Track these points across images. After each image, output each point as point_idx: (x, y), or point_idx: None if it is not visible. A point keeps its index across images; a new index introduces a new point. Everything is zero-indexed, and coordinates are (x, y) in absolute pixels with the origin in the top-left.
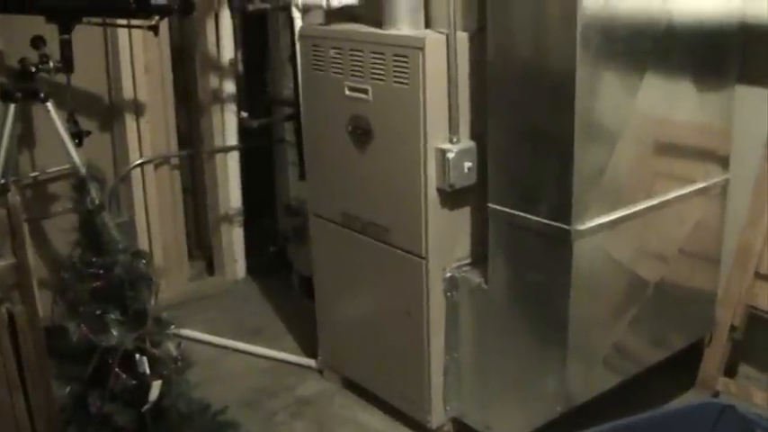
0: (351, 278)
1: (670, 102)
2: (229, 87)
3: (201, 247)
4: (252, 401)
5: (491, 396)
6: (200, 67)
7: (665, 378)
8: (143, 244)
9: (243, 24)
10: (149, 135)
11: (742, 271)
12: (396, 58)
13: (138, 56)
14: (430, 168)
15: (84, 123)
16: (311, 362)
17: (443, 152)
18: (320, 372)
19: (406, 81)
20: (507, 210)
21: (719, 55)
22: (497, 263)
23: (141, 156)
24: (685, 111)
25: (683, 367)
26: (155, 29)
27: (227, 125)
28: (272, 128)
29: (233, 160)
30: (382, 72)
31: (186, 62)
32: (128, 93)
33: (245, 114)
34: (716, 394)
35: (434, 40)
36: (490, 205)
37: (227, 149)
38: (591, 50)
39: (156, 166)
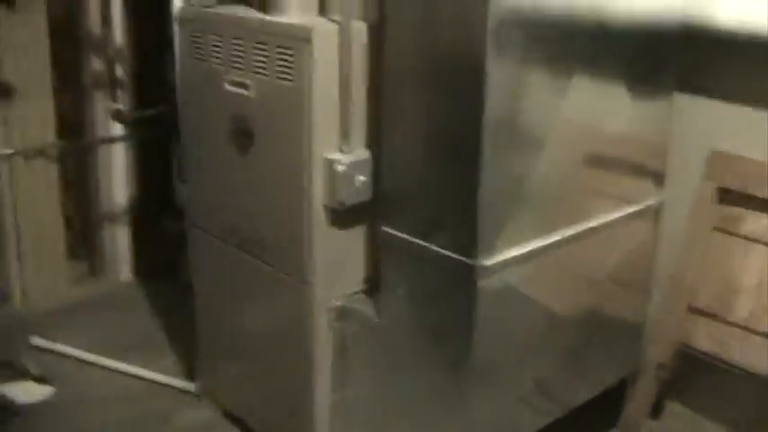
0: (231, 299)
1: (600, 111)
2: (118, 71)
3: (88, 247)
4: None
5: None
6: (84, 48)
7: (587, 416)
8: (10, 244)
9: None
10: (19, 123)
11: (674, 304)
12: (280, 50)
13: (5, 32)
14: (316, 181)
15: None
16: (191, 386)
17: (332, 163)
18: (198, 397)
19: (290, 77)
20: (402, 235)
21: (657, 59)
22: (391, 296)
23: (10, 146)
24: (617, 122)
25: (606, 405)
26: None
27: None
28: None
29: (119, 153)
30: (265, 66)
31: (70, 41)
32: None
33: (117, 105)
34: None
35: (325, 31)
36: (383, 229)
37: (110, 140)
38: (505, 49)
39: (28, 158)
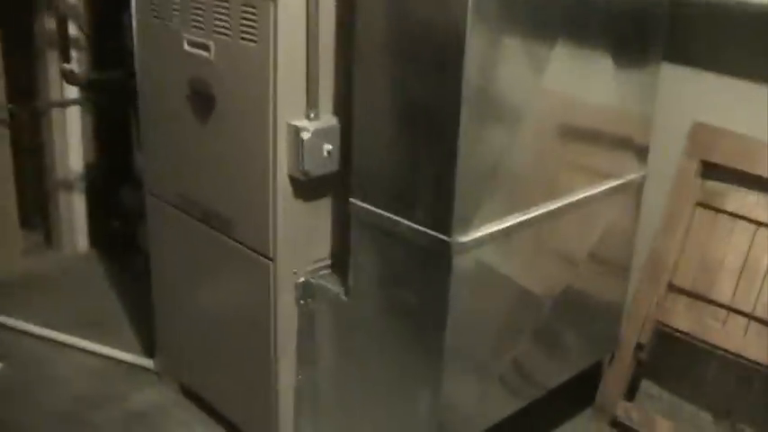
0: (190, 272)
1: (582, 82)
2: (72, 30)
3: (42, 217)
4: (71, 414)
5: (353, 423)
6: (35, 4)
7: (562, 397)
8: None
9: None
10: None
11: (653, 282)
12: (243, 8)
13: None
14: (280, 149)
15: None
16: (149, 362)
17: (297, 130)
18: (158, 375)
19: (254, 38)
20: (373, 209)
21: (643, 28)
22: (360, 272)
23: None
24: (600, 93)
25: (581, 385)
26: None
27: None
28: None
29: (74, 118)
30: (227, 25)
31: None
32: None
33: (68, 66)
34: (614, 421)
35: None
36: (352, 201)
37: (64, 104)
38: (485, 16)
39: None
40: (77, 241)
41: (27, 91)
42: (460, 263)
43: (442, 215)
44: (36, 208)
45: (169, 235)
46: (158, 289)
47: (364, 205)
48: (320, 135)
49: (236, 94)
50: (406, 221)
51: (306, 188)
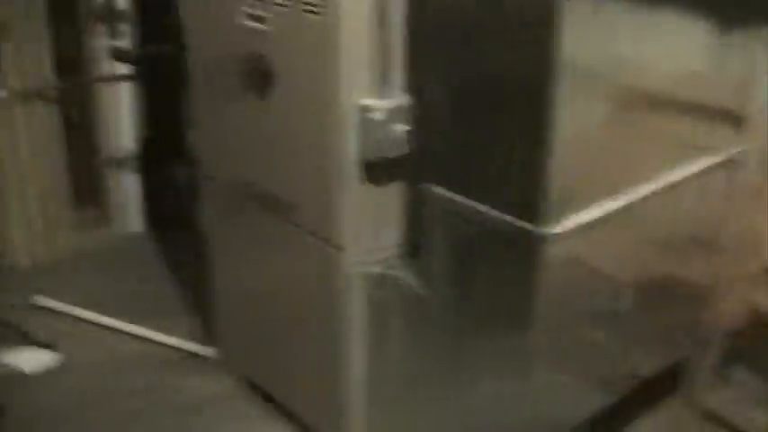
0: (252, 260)
1: (681, 49)
2: (119, 3)
3: (95, 196)
4: (124, 404)
5: (429, 419)
6: None
7: (648, 383)
8: (13, 193)
9: None
10: (13, 64)
11: (747, 265)
12: None
13: None
14: (347, 130)
15: None
16: (208, 351)
17: (367, 109)
18: (217, 364)
19: (317, 8)
20: (450, 195)
21: None
22: (435, 263)
23: (4, 89)
24: (698, 61)
25: (669, 371)
26: None
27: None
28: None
29: (124, 93)
30: None
31: None
32: None
33: (114, 42)
34: (705, 411)
35: None
36: (426, 186)
37: (113, 79)
38: None
39: (25, 101)
40: (130, 220)
41: (72, 67)
42: (549, 256)
43: (530, 202)
44: (89, 186)
45: (228, 221)
46: (219, 276)
47: (440, 190)
48: (393, 115)
49: (299, 70)
50: (488, 209)
51: (376, 172)
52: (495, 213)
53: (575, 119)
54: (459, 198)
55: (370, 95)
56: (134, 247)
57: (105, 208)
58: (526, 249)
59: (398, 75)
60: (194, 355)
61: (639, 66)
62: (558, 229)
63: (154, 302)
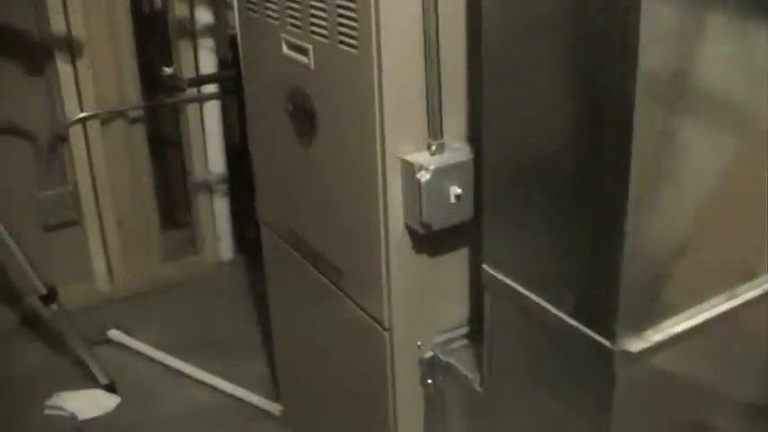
0: (304, 318)
1: None
2: (204, 17)
3: (183, 221)
4: None
5: None
6: None
7: None
8: (90, 218)
9: None
10: (92, 82)
11: None
12: (340, 2)
13: None
14: (393, 192)
15: (10, 67)
16: (274, 407)
17: (413, 169)
18: (282, 423)
19: (353, 41)
20: (510, 283)
21: None
22: (496, 358)
23: (81, 109)
24: None
25: None
26: None
27: (201, 64)
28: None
29: (213, 113)
30: (324, 24)
31: None
32: (58, 26)
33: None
34: None
35: None
36: (485, 268)
37: (202, 99)
38: None
39: (105, 122)
40: (220, 248)
41: (162, 84)
42: (628, 376)
43: (605, 310)
44: (177, 211)
45: (282, 272)
46: (276, 327)
47: (499, 276)
48: (445, 175)
49: (338, 113)
50: (554, 309)
51: (430, 241)
52: (561, 317)
53: (665, 192)
54: (521, 289)
55: (418, 149)
56: (222, 277)
57: (194, 234)
58: (597, 365)
59: (456, 121)
60: (261, 410)
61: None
62: (635, 345)
63: (227, 340)
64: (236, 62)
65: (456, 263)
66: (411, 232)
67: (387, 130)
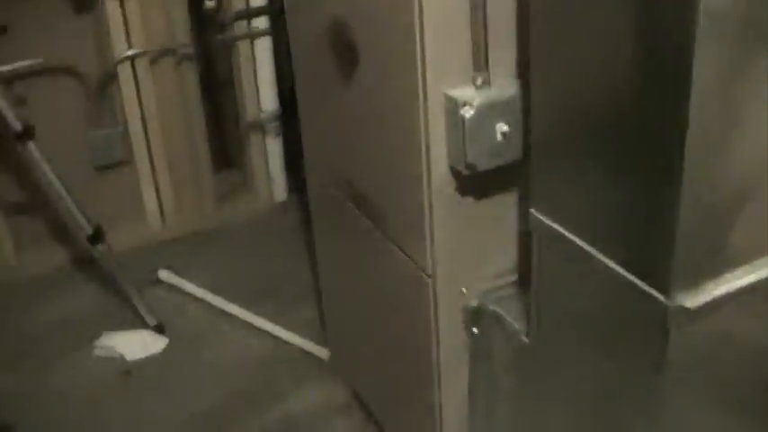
0: (350, 264)
1: None
2: None
3: (236, 161)
4: (217, 414)
5: None
6: None
7: None
8: (141, 158)
9: None
10: (139, 18)
11: None
12: None
13: None
14: (435, 130)
15: (57, 5)
16: (323, 351)
17: (456, 104)
18: (330, 368)
19: None
20: (561, 230)
21: None
22: (544, 308)
23: (130, 47)
24: None
25: None
26: None
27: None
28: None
29: (265, 50)
30: None
31: None
32: None
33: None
34: None
35: None
36: (533, 213)
37: (253, 35)
38: None
39: (154, 60)
40: (274, 189)
41: (213, 21)
42: (683, 334)
43: (657, 262)
44: (230, 151)
45: (328, 216)
46: (323, 272)
47: (548, 222)
48: (491, 111)
49: (380, 46)
50: (605, 259)
51: (476, 183)
52: (613, 266)
53: (721, 137)
54: (570, 236)
55: (463, 83)
56: (274, 218)
57: (247, 175)
58: (651, 322)
59: (504, 54)
60: (310, 355)
61: None
62: (691, 302)
63: (278, 285)
64: None
65: (504, 207)
66: (455, 173)
67: (428, 62)
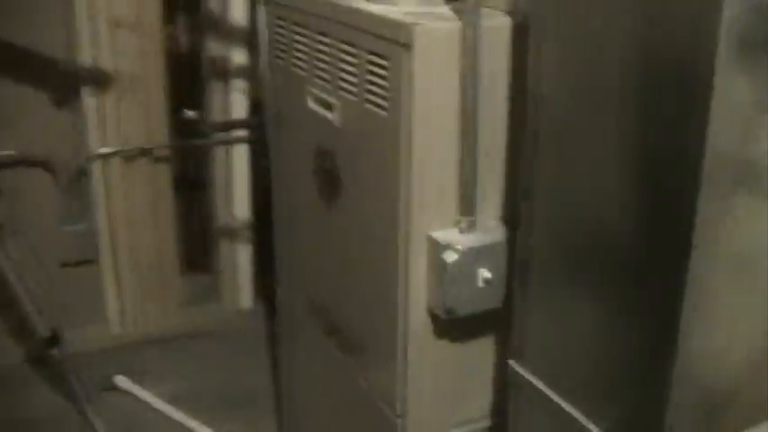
0: (317, 390)
1: None
2: (237, 57)
3: (204, 266)
4: None
5: None
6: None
7: None
8: (106, 258)
9: None
10: (116, 117)
11: None
12: (371, 58)
13: (102, 4)
14: (415, 270)
15: (37, 97)
16: None
17: (439, 247)
18: None
19: (382, 102)
20: (540, 387)
21: None
22: None
23: (104, 144)
24: None
25: None
26: None
27: (233, 106)
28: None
29: (239, 155)
30: (353, 80)
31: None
32: (86, 56)
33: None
34: None
35: (435, 32)
36: (511, 365)
37: (230, 141)
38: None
39: (128, 159)
40: (240, 296)
41: (192, 124)
42: None
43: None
44: (198, 255)
45: (296, 337)
46: (289, 397)
47: (526, 376)
48: (474, 256)
49: (364, 178)
50: (588, 424)
51: (453, 326)
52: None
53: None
54: (551, 394)
55: (446, 225)
56: (240, 326)
57: (215, 280)
58: None
59: (491, 197)
60: None
61: None
62: None
63: (244, 399)
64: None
65: (480, 352)
66: (433, 316)
67: (413, 202)
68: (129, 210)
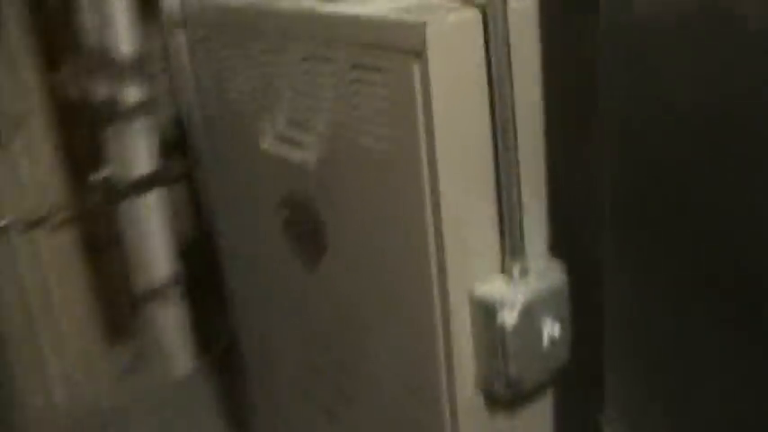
0: None
1: None
2: (133, 94)
3: (130, 334)
4: None
5: None
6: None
7: None
8: (25, 334)
9: None
10: (11, 185)
11: None
12: (358, 75)
13: None
14: (459, 341)
15: None
16: None
17: (490, 309)
18: None
19: (381, 131)
20: None
21: None
22: None
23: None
24: None
25: None
26: None
27: (137, 153)
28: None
29: (154, 206)
30: (334, 108)
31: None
32: None
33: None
34: None
35: (453, 28)
36: (596, 421)
37: (137, 193)
38: None
39: (29, 228)
40: (173, 364)
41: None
42: None
43: None
44: (122, 324)
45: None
46: None
47: None
48: (537, 311)
49: (361, 233)
50: None
51: (512, 403)
52: None
53: None
54: None
55: (491, 274)
56: (175, 398)
57: (144, 348)
58: None
59: (536, 230)
60: None
61: None
62: None
63: None
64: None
65: (539, 418)
66: (486, 397)
67: (447, 258)
68: (37, 283)
